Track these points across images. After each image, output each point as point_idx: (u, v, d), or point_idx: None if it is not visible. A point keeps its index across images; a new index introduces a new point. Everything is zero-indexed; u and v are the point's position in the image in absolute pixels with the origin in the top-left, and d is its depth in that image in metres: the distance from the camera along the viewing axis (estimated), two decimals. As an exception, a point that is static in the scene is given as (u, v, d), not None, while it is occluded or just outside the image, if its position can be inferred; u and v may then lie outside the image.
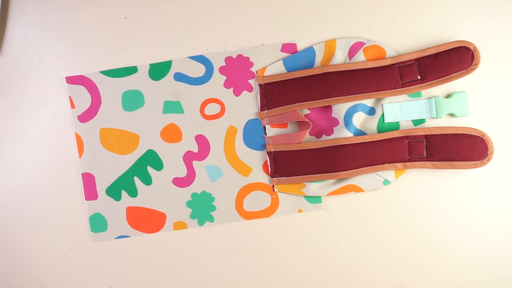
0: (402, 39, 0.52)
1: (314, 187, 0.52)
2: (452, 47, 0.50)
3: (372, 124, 0.52)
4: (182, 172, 0.54)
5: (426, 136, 0.51)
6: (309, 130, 0.52)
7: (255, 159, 0.53)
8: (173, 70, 0.53)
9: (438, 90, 0.52)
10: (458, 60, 0.50)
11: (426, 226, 0.53)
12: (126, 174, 0.54)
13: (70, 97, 0.54)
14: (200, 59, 0.53)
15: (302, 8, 0.53)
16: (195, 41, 0.53)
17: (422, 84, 0.50)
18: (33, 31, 0.54)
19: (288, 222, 0.54)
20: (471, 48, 0.50)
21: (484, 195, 0.53)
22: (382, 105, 0.52)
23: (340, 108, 0.52)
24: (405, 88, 0.51)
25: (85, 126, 0.54)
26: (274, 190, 0.53)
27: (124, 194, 0.54)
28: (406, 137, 0.51)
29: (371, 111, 0.52)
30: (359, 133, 0.52)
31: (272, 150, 0.53)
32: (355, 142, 0.51)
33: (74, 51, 0.54)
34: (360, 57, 0.52)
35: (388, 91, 0.51)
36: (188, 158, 0.54)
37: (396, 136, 0.51)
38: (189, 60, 0.53)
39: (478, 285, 0.53)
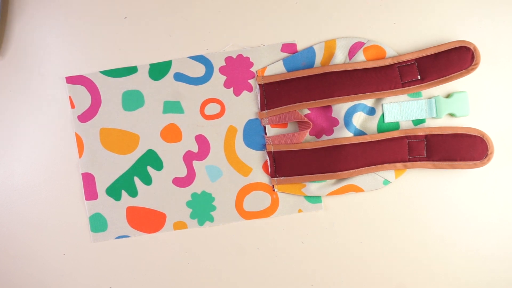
0: (402, 39, 0.52)
1: (314, 187, 0.52)
2: (452, 47, 0.50)
3: (372, 124, 0.52)
4: (182, 172, 0.54)
5: (426, 136, 0.51)
6: (309, 130, 0.52)
7: (255, 159, 0.53)
8: (173, 70, 0.53)
9: (438, 90, 0.52)
10: (458, 60, 0.50)
11: (426, 226, 0.53)
12: (126, 174, 0.54)
13: (70, 97, 0.54)
14: (200, 59, 0.53)
15: (302, 8, 0.53)
16: (195, 41, 0.53)
17: (422, 84, 0.50)
18: (33, 31, 0.54)
19: (288, 222, 0.54)
20: (471, 48, 0.50)
21: (484, 195, 0.53)
22: (382, 105, 0.52)
23: (340, 108, 0.52)
24: (405, 88, 0.51)
25: (85, 126, 0.54)
26: (274, 190, 0.53)
27: (124, 194, 0.54)
28: (406, 137, 0.51)
29: (371, 111, 0.52)
30: (359, 133, 0.52)
31: (272, 150, 0.53)
32: (355, 142, 0.51)
33: (74, 51, 0.54)
34: (360, 57, 0.52)
35: (388, 91, 0.50)
36: (188, 158, 0.54)
37: (396, 136, 0.51)
38: (189, 60, 0.53)
39: (478, 285, 0.53)
